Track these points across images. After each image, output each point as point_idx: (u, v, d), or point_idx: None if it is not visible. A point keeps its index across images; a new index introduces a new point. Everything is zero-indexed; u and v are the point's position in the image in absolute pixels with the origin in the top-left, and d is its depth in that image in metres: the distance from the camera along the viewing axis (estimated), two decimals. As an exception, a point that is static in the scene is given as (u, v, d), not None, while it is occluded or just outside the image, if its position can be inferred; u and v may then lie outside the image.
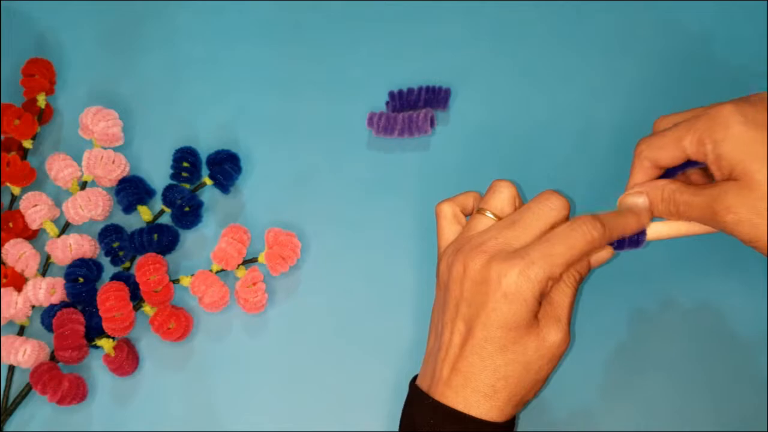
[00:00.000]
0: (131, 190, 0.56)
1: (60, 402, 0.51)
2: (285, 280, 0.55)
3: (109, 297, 0.51)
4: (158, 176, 0.58)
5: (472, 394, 0.41)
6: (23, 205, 0.55)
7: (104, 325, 0.52)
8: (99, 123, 0.56)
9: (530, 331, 0.41)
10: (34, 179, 0.57)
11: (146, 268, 0.52)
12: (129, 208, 0.56)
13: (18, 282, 0.54)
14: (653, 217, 0.45)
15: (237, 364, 0.53)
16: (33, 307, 0.54)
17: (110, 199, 0.56)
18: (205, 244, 0.56)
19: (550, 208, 0.43)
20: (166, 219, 0.57)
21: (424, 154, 0.57)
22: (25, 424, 0.53)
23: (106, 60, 0.61)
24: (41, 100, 0.59)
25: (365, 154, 0.57)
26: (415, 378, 0.46)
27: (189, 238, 0.56)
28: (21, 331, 0.54)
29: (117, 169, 0.56)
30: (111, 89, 0.60)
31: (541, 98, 0.58)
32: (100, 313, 0.51)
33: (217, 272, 0.54)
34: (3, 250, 0.54)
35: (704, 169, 0.45)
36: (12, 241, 0.54)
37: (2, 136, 0.58)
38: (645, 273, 0.53)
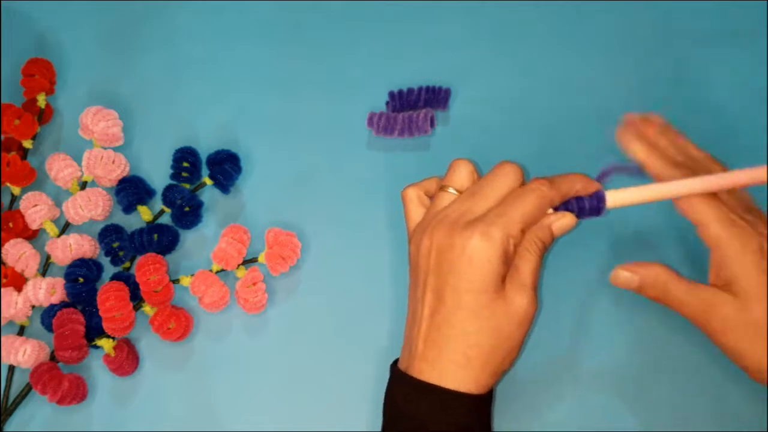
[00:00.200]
0: (131, 190, 0.56)
1: (60, 402, 0.51)
2: (285, 280, 0.55)
3: (109, 297, 0.51)
4: (158, 176, 0.58)
5: (447, 365, 0.42)
6: (23, 205, 0.55)
7: (104, 325, 0.52)
8: (99, 123, 0.56)
9: (498, 295, 0.43)
10: (34, 179, 0.57)
11: (146, 268, 0.52)
12: (129, 208, 0.56)
13: (18, 282, 0.54)
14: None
15: (237, 364, 0.53)
16: (33, 307, 0.54)
17: (110, 199, 0.56)
18: (205, 244, 0.56)
19: (505, 175, 0.45)
20: (166, 219, 0.57)
21: (424, 154, 0.57)
22: (25, 424, 0.53)
23: (106, 60, 0.61)
24: (41, 100, 0.59)
25: (365, 154, 0.57)
26: (396, 362, 0.46)
27: (189, 238, 0.56)
28: (21, 331, 0.54)
29: (117, 169, 0.56)
30: (111, 89, 0.60)
31: (541, 98, 0.58)
32: (100, 313, 0.51)
33: (217, 272, 0.54)
34: (3, 250, 0.54)
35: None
36: (12, 241, 0.54)
37: (2, 136, 0.58)
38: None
